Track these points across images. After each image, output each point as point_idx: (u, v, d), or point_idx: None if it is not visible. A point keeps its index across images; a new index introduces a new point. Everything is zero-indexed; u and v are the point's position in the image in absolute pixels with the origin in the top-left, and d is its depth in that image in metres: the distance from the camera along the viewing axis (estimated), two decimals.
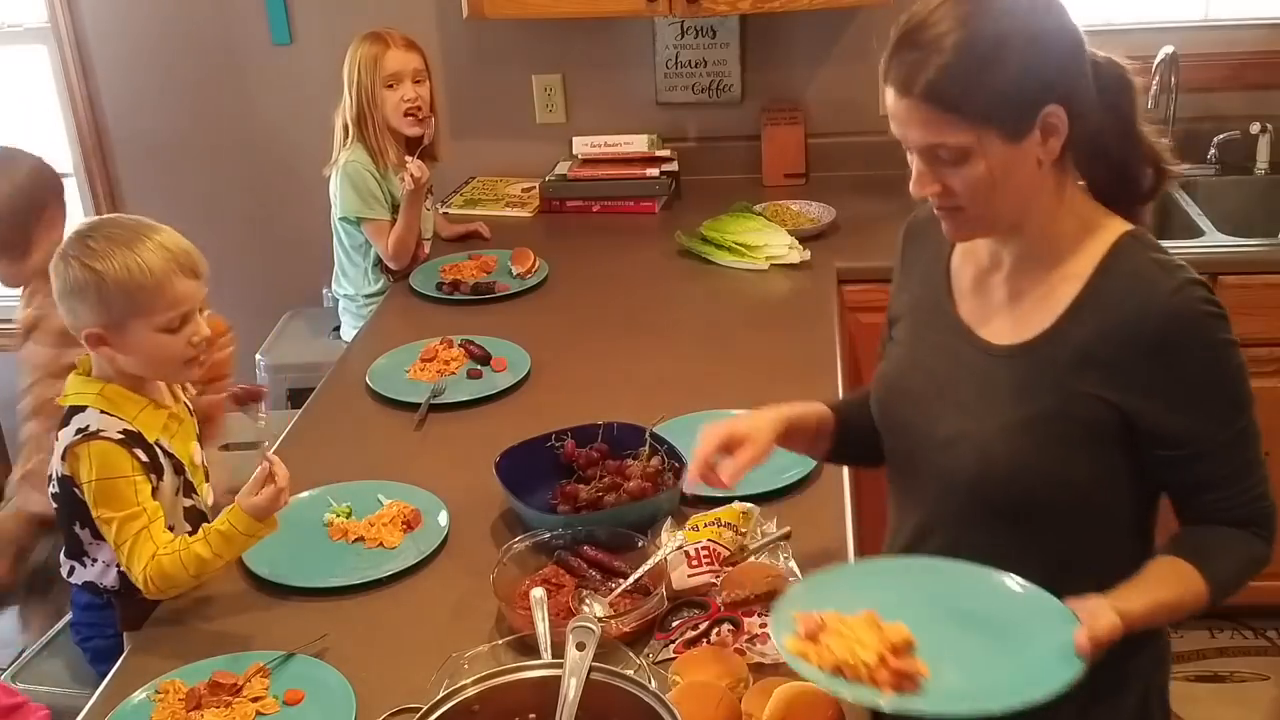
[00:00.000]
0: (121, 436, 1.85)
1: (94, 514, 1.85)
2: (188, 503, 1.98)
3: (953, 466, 1.54)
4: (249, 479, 1.81)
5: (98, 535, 1.91)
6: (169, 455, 1.93)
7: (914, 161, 1.45)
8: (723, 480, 1.61)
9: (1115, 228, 1.48)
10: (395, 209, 3.05)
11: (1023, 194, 1.44)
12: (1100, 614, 1.33)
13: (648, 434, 2.06)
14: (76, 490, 1.87)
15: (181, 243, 1.88)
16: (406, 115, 3.01)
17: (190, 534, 1.86)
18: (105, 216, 1.95)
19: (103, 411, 1.87)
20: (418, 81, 3.02)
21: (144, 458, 1.86)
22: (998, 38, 1.37)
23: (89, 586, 2.00)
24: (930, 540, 1.60)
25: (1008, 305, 1.53)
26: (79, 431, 1.84)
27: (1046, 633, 1.34)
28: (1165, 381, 1.41)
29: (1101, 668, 1.33)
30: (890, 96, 1.42)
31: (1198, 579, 1.42)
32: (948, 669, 1.32)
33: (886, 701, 1.30)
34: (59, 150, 3.93)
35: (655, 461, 2.03)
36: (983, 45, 1.36)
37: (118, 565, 1.94)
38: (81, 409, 1.87)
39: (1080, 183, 1.51)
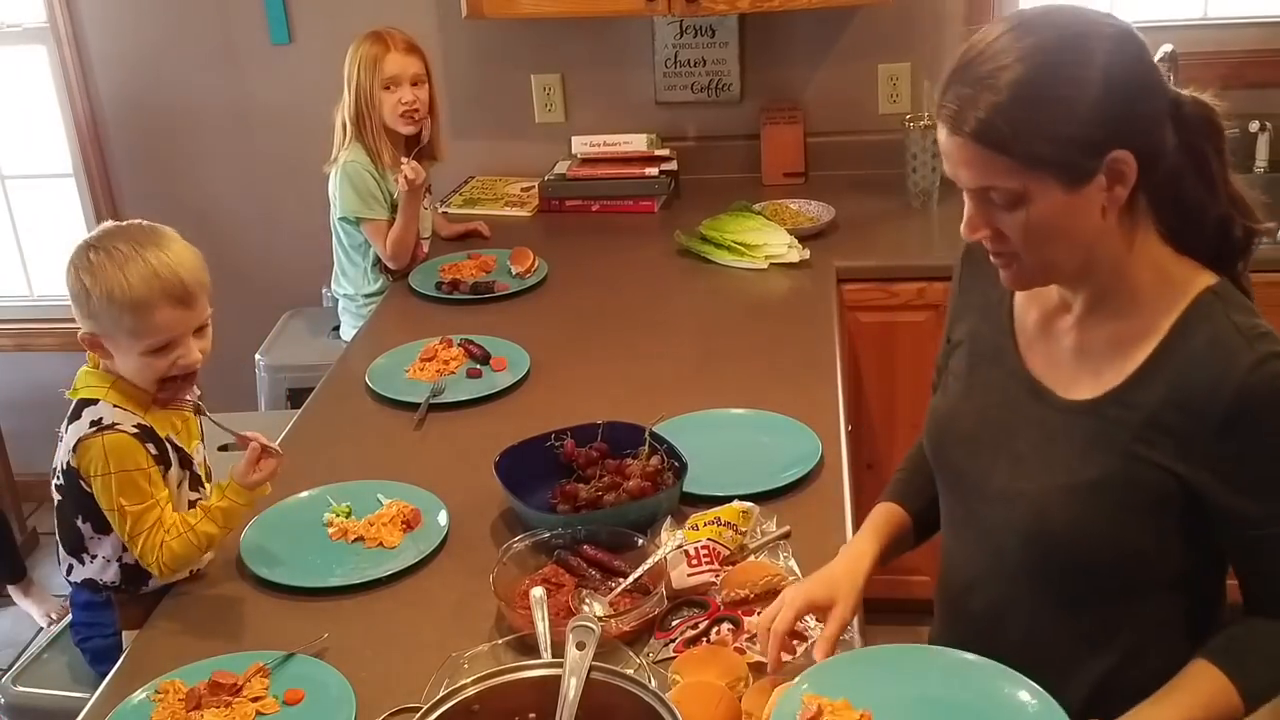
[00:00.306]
0: (136, 430, 1.87)
1: (109, 505, 1.87)
2: (194, 496, 1.99)
3: (1003, 524, 1.46)
4: None
5: (100, 529, 1.93)
6: (177, 449, 1.94)
7: (966, 203, 1.37)
8: (815, 658, 1.49)
9: (1197, 281, 1.37)
10: (394, 209, 3.05)
11: (1083, 243, 1.34)
12: None
13: (647, 433, 2.06)
14: (83, 483, 1.88)
15: (177, 267, 1.84)
16: (402, 116, 3.02)
17: None
18: (121, 225, 1.91)
19: (115, 406, 1.88)
20: (416, 84, 3.02)
21: (154, 451, 1.89)
22: (1060, 76, 1.27)
23: (88, 584, 2.01)
24: (976, 597, 1.54)
25: (1075, 356, 1.44)
26: (93, 424, 1.86)
27: None
28: (1234, 460, 1.32)
29: None
30: (941, 133, 1.33)
31: (1231, 694, 1.35)
32: None
33: None
34: (58, 150, 3.93)
35: (655, 461, 2.02)
36: (1043, 84, 1.26)
37: (119, 560, 1.95)
38: (93, 402, 1.89)
39: (1156, 230, 1.40)
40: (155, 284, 1.82)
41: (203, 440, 2.09)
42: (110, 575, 1.98)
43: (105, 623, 2.04)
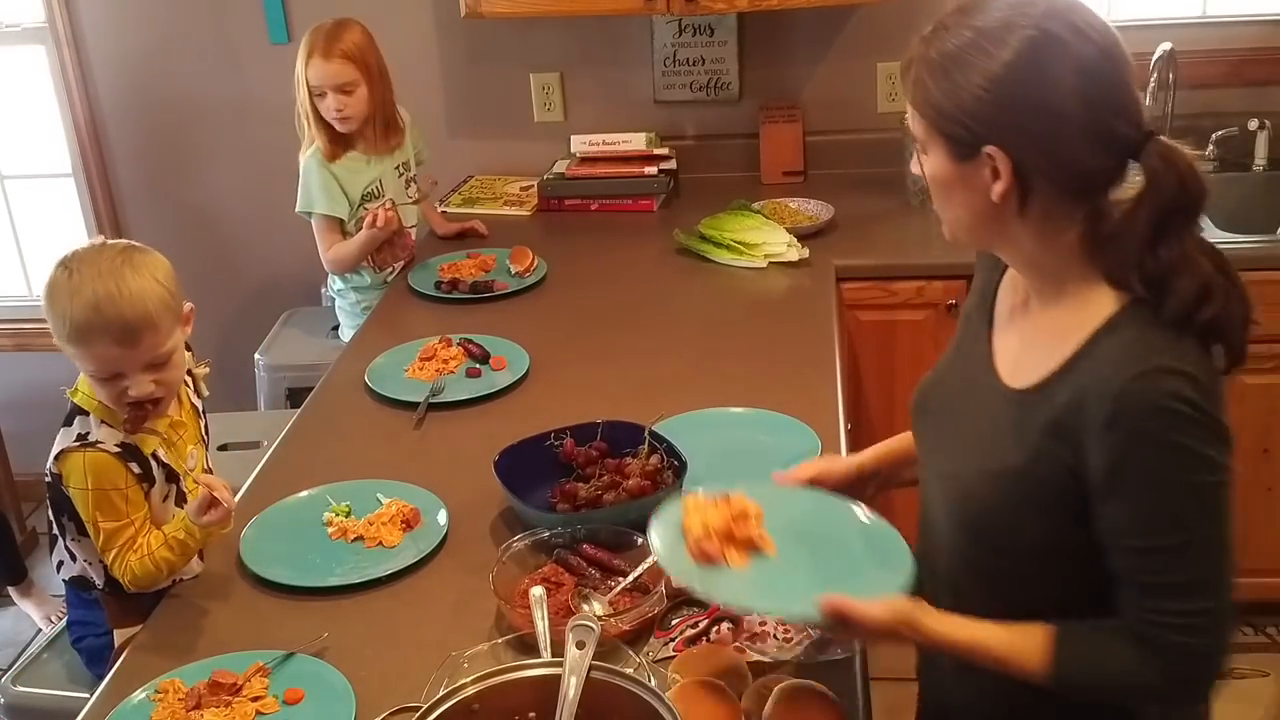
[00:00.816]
0: (119, 450, 1.86)
1: (86, 518, 1.88)
2: (179, 510, 1.98)
3: (939, 501, 1.52)
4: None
5: (81, 532, 1.95)
6: (163, 465, 1.94)
7: None
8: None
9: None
10: (351, 204, 3.05)
11: (968, 214, 1.40)
12: (886, 606, 1.40)
13: (647, 432, 2.06)
14: (63, 490, 1.89)
15: (122, 304, 1.78)
16: (334, 120, 3.01)
17: None
18: (102, 245, 1.87)
19: (103, 421, 1.88)
20: (346, 92, 2.98)
21: (137, 469, 1.88)
22: (966, 59, 1.34)
23: (78, 580, 2.02)
24: (925, 565, 1.54)
25: (1020, 345, 1.47)
26: (79, 438, 1.86)
27: (873, 580, 1.48)
28: (1106, 464, 1.30)
29: None
30: None
31: (1043, 655, 1.36)
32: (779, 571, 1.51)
33: (699, 582, 1.48)
34: (57, 150, 3.93)
35: (654, 460, 2.03)
36: (955, 60, 1.35)
37: (100, 560, 1.97)
38: (85, 412, 1.89)
39: (1085, 246, 1.38)
40: (96, 320, 1.78)
41: (206, 439, 2.09)
42: (95, 574, 1.99)
43: (97, 621, 2.05)
